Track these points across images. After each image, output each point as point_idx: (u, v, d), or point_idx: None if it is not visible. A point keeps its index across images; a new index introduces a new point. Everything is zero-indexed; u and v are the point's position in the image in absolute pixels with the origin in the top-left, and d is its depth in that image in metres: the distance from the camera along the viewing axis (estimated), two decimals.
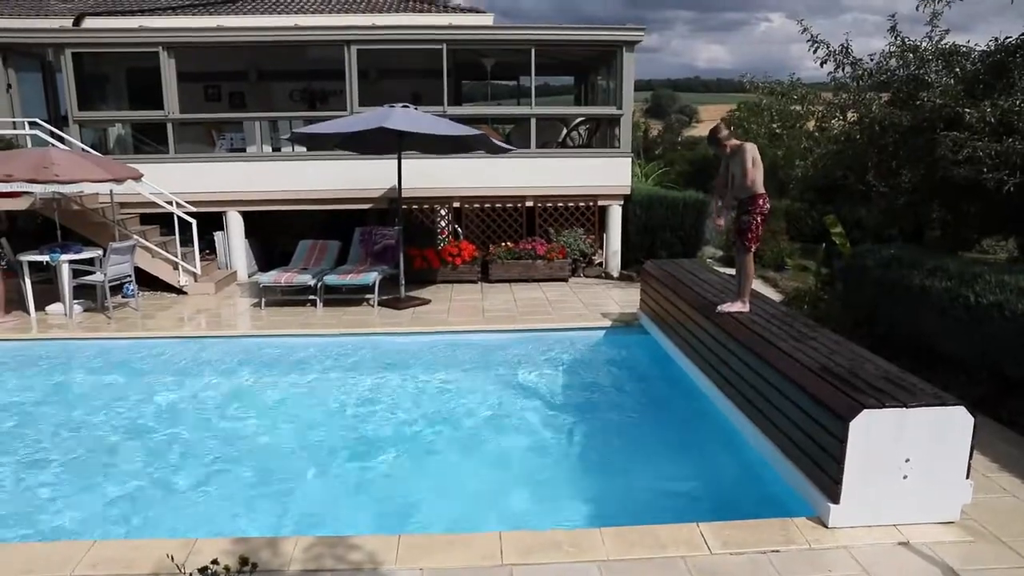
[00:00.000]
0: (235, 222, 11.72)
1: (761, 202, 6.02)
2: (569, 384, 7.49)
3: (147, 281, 10.53)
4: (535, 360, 8.08)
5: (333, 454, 5.87)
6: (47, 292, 9.57)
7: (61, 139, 10.68)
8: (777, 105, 9.44)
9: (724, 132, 6.05)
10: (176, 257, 10.60)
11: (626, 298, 10.17)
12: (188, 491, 5.23)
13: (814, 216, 14.26)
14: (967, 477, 4.21)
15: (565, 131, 14.19)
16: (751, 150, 5.95)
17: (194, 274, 10.76)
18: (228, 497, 5.14)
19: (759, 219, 6.06)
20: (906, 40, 8.27)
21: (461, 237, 11.92)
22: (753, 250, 6.23)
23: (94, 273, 9.41)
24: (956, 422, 4.13)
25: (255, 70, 14.99)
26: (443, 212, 11.97)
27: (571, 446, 6.06)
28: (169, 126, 11.38)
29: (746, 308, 6.36)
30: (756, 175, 5.93)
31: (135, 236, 10.28)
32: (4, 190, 8.37)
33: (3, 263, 8.82)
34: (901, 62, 8.28)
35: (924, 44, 8.14)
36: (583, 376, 7.76)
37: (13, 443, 6.01)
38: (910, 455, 4.13)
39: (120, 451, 5.90)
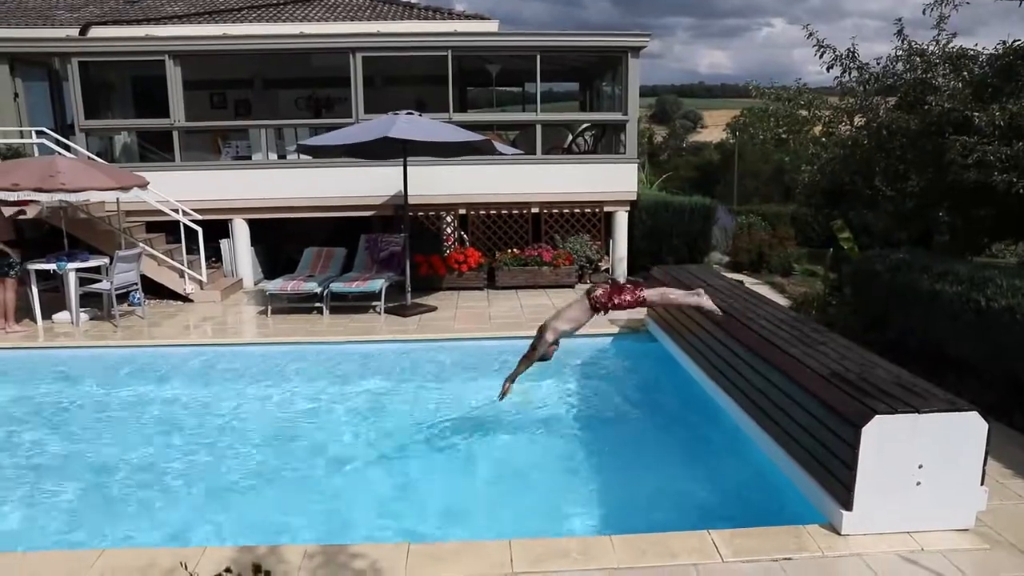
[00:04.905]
0: (241, 230, 11.73)
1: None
2: (577, 390, 7.45)
3: (153, 289, 10.54)
4: (543, 367, 8.01)
5: (341, 460, 5.85)
6: (54, 300, 9.59)
7: (67, 147, 10.71)
8: (783, 110, 9.42)
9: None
10: (182, 265, 10.62)
11: None
12: (195, 497, 5.22)
13: (820, 221, 14.22)
14: (982, 483, 4.16)
15: (571, 137, 14.19)
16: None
17: (200, 282, 10.77)
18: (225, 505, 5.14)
19: None
20: (913, 44, 8.24)
21: (467, 244, 11.92)
22: None
23: (100, 281, 9.43)
24: (970, 428, 4.08)
25: (260, 78, 15.06)
26: (449, 219, 11.97)
27: (580, 452, 6.01)
28: (175, 134, 11.42)
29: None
30: None
31: (141, 244, 10.30)
32: (11, 199, 8.39)
33: (11, 272, 8.81)
34: (908, 66, 8.25)
35: (931, 48, 8.11)
36: (591, 383, 7.72)
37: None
38: (923, 461, 4.09)
39: (126, 458, 5.89)
